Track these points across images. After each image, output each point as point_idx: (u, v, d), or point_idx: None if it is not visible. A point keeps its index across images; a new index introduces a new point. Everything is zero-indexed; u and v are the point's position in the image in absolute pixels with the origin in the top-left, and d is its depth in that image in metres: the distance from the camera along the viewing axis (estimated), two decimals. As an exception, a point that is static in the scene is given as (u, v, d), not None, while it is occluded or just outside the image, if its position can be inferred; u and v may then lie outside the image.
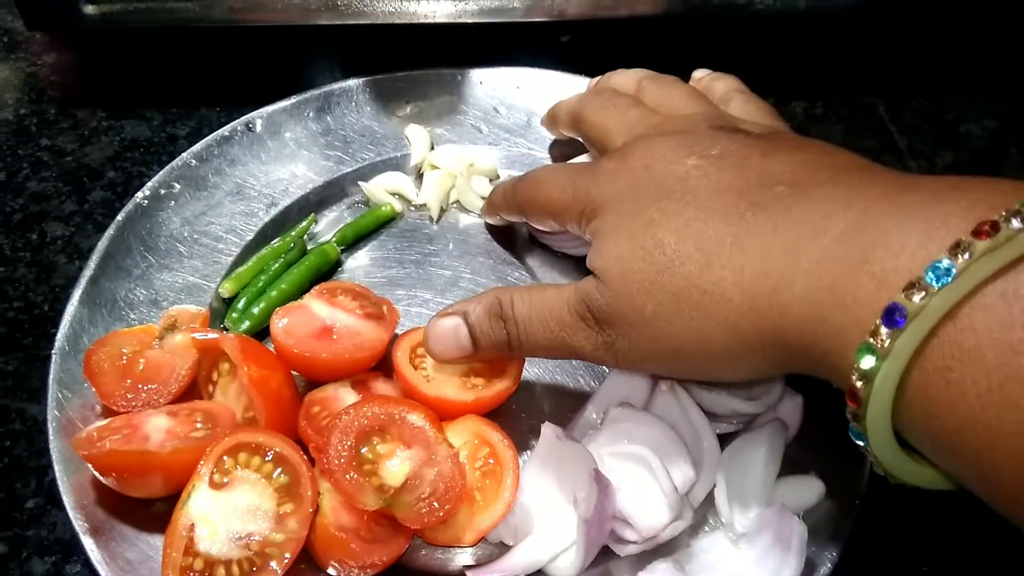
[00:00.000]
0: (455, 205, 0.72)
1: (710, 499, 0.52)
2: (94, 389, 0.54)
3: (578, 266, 0.68)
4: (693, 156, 0.45)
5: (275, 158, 0.71)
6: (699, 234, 0.42)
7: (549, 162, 0.73)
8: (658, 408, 0.54)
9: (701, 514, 0.52)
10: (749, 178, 0.43)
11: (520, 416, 0.58)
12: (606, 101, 0.58)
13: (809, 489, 0.52)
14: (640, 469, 0.50)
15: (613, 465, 0.51)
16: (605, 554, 0.51)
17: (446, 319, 0.52)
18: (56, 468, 0.52)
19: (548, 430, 0.52)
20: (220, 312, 0.63)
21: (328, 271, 0.66)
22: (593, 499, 0.47)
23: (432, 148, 0.74)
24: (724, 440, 0.53)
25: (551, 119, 0.68)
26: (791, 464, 0.53)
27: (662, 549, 0.50)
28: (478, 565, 0.51)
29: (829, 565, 0.49)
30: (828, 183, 0.40)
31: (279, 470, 0.49)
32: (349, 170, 0.72)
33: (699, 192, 0.43)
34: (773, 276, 0.39)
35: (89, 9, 0.74)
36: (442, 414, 0.54)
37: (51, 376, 0.55)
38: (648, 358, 0.46)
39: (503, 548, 0.52)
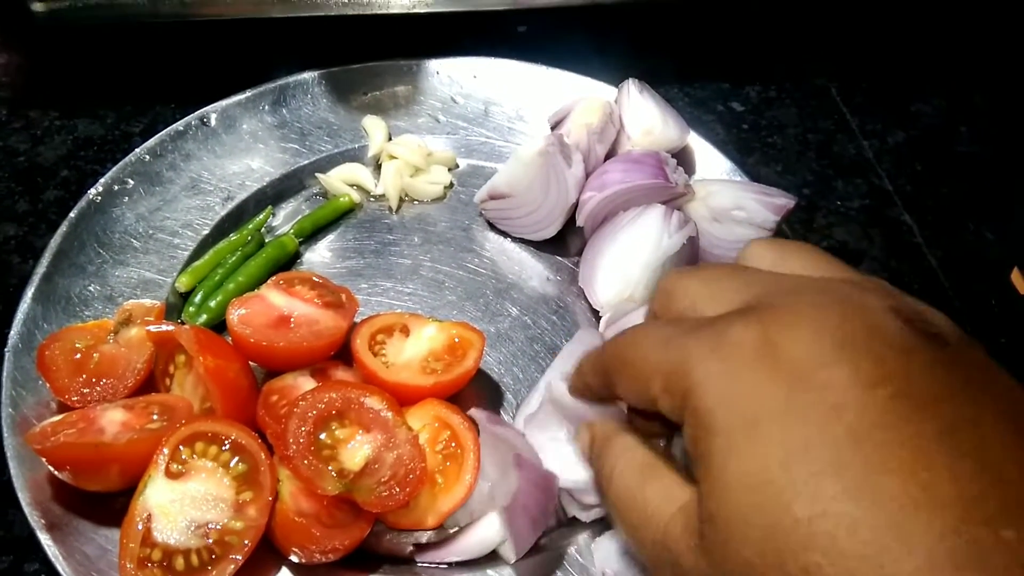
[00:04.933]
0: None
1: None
2: (48, 385, 0.53)
3: (537, 252, 0.68)
4: (880, 369, 0.28)
5: (231, 152, 0.71)
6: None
7: (509, 152, 0.73)
8: None
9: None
10: (966, 473, 0.26)
11: (482, 398, 0.59)
12: (674, 280, 0.38)
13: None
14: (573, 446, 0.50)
15: (551, 445, 0.51)
16: (571, 525, 0.52)
17: (581, 433, 0.45)
18: (11, 466, 0.51)
19: (477, 415, 0.52)
20: (177, 307, 0.62)
21: (287, 263, 0.66)
22: (512, 485, 0.47)
23: (390, 139, 0.74)
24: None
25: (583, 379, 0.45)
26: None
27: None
28: (427, 547, 0.51)
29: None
30: None
31: (236, 459, 0.49)
32: (306, 162, 0.72)
33: (888, 463, 0.27)
34: None
35: (37, 7, 0.73)
36: (402, 399, 0.54)
37: (4, 373, 0.55)
38: None
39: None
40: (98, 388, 0.53)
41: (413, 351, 0.57)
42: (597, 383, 0.41)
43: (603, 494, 0.40)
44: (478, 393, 0.59)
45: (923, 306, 0.32)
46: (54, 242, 0.62)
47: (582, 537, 0.51)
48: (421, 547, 0.51)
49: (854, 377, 0.28)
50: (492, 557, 0.51)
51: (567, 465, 0.50)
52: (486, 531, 0.50)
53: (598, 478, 0.40)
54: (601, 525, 0.51)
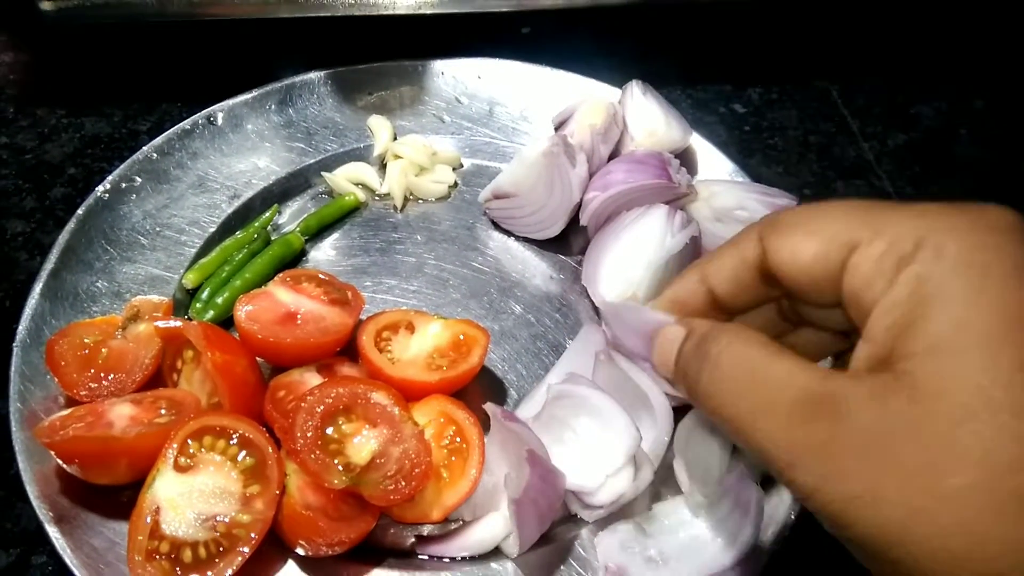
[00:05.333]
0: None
1: (671, 466, 0.53)
2: (56, 380, 0.54)
3: (541, 251, 0.69)
4: None
5: (237, 150, 0.72)
6: None
7: (513, 152, 0.74)
8: (600, 378, 0.54)
9: (660, 477, 0.53)
10: None
11: (487, 395, 0.59)
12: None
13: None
14: (581, 447, 0.51)
15: (556, 447, 0.52)
16: (573, 520, 0.52)
17: (672, 329, 0.40)
18: (19, 459, 0.51)
19: (491, 409, 0.52)
20: (184, 303, 0.63)
21: (293, 261, 0.67)
22: (523, 480, 0.48)
23: (395, 138, 0.74)
24: (681, 414, 0.54)
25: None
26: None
27: (625, 511, 0.51)
28: (431, 540, 0.52)
29: (784, 529, 0.51)
30: None
31: (244, 452, 0.49)
32: (312, 161, 0.72)
33: None
34: None
35: (46, 6, 0.73)
36: (408, 395, 0.54)
37: (13, 368, 0.55)
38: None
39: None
40: (106, 383, 0.54)
41: (418, 348, 0.58)
42: (736, 259, 0.38)
43: (700, 389, 0.36)
44: (482, 389, 0.59)
45: None
46: (62, 239, 0.63)
47: (584, 532, 0.52)
48: (424, 540, 0.51)
49: None
50: (495, 551, 0.51)
51: (571, 467, 0.51)
52: (490, 527, 0.51)
53: (692, 375, 0.36)
54: (604, 521, 0.51)
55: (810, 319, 0.40)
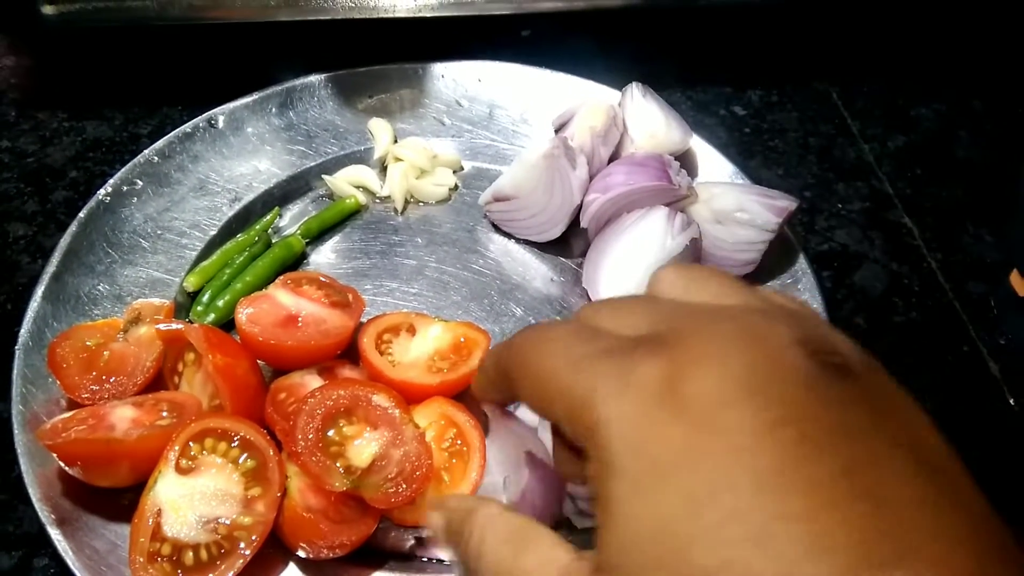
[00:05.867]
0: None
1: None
2: (58, 382, 0.54)
3: (541, 253, 0.69)
4: (781, 409, 0.27)
5: (238, 153, 0.72)
6: None
7: (513, 155, 0.74)
8: None
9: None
10: (862, 515, 0.26)
11: (486, 399, 0.59)
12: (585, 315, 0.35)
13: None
14: None
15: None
16: (571, 525, 0.52)
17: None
18: (21, 462, 0.52)
19: (490, 410, 0.52)
20: (185, 306, 0.63)
21: (293, 263, 0.67)
22: (522, 482, 0.48)
23: (395, 141, 0.75)
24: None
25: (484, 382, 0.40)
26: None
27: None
28: (432, 541, 0.52)
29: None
30: None
31: (245, 455, 0.49)
32: (313, 164, 0.73)
33: (789, 508, 0.26)
34: None
35: (47, 9, 0.74)
36: (408, 397, 0.54)
37: (15, 371, 0.55)
38: None
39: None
40: (108, 385, 0.54)
41: (419, 350, 0.58)
42: (499, 383, 0.37)
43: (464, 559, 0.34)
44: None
45: (831, 333, 0.31)
46: (64, 242, 0.63)
47: (576, 541, 0.51)
48: (423, 542, 0.52)
49: (756, 418, 0.27)
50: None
51: None
52: None
53: (463, 560, 0.34)
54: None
55: None
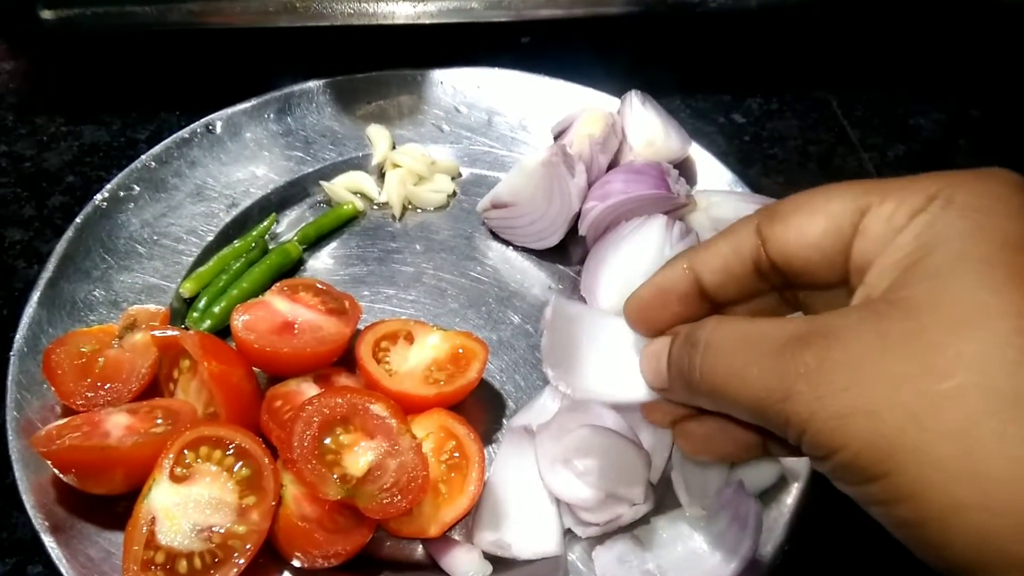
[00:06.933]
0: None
1: (669, 479, 0.53)
2: (53, 389, 0.53)
3: (539, 261, 0.69)
4: None
5: (235, 159, 0.72)
6: None
7: (512, 162, 0.74)
8: None
9: (658, 491, 0.52)
10: None
11: (485, 406, 0.59)
12: None
13: (766, 470, 0.53)
14: (593, 488, 0.51)
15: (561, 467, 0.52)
16: (571, 534, 0.52)
17: (656, 342, 0.41)
18: (15, 469, 0.51)
19: (515, 428, 0.53)
20: (181, 312, 0.63)
21: (290, 270, 0.67)
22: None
23: (393, 147, 0.74)
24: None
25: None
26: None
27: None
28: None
29: (783, 542, 0.50)
30: None
31: (240, 463, 0.49)
32: (310, 170, 0.72)
33: None
34: None
35: (46, 14, 0.74)
36: (404, 408, 0.54)
37: (9, 377, 0.55)
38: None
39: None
40: (103, 392, 0.54)
41: (417, 360, 0.58)
42: (729, 250, 0.39)
43: (696, 376, 0.36)
44: (479, 400, 0.59)
45: None
46: (60, 247, 0.62)
47: (580, 546, 0.51)
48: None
49: None
50: (499, 563, 0.51)
51: (573, 480, 0.51)
52: (468, 554, 0.51)
53: (687, 367, 0.36)
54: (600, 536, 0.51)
55: (809, 306, 0.40)
